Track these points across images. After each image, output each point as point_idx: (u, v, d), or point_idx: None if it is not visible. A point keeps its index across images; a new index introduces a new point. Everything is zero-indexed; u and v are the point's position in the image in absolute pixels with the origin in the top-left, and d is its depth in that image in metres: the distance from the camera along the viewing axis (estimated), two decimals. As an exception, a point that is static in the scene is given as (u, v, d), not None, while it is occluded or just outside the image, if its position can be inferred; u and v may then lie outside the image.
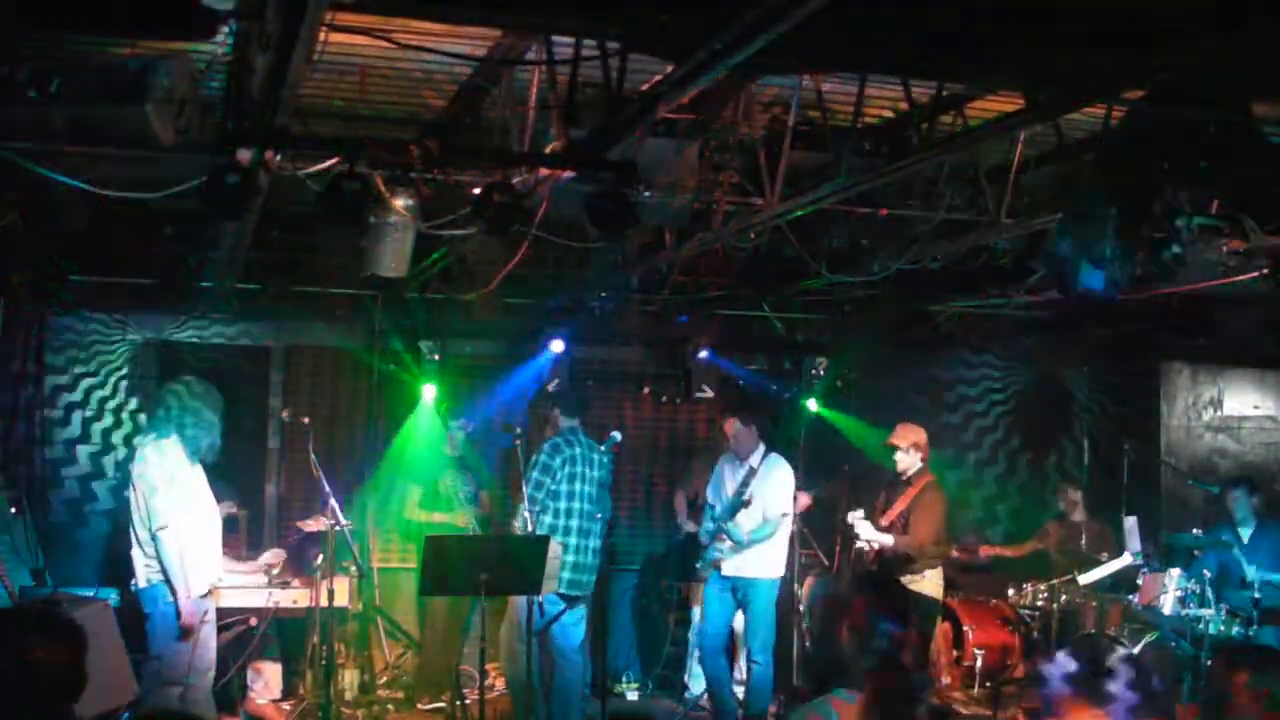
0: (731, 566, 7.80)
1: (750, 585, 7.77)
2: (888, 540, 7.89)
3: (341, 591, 7.52)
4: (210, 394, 6.60)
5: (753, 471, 7.87)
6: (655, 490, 10.25)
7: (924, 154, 5.75)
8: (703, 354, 9.73)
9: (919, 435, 8.15)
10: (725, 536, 7.76)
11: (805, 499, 8.60)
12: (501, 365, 9.75)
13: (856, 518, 7.98)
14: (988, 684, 8.26)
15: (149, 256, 8.23)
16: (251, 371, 9.29)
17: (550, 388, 9.11)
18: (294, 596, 7.49)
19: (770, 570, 7.81)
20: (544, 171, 5.68)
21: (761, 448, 7.98)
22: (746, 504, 7.74)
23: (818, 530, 9.38)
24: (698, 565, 8.07)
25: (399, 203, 5.66)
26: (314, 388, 9.47)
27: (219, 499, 7.50)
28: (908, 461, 8.09)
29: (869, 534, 7.91)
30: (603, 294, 9.00)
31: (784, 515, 7.86)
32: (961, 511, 8.66)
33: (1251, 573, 7.63)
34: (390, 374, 9.31)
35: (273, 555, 7.59)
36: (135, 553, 6.40)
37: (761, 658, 7.76)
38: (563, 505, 7.28)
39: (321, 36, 4.34)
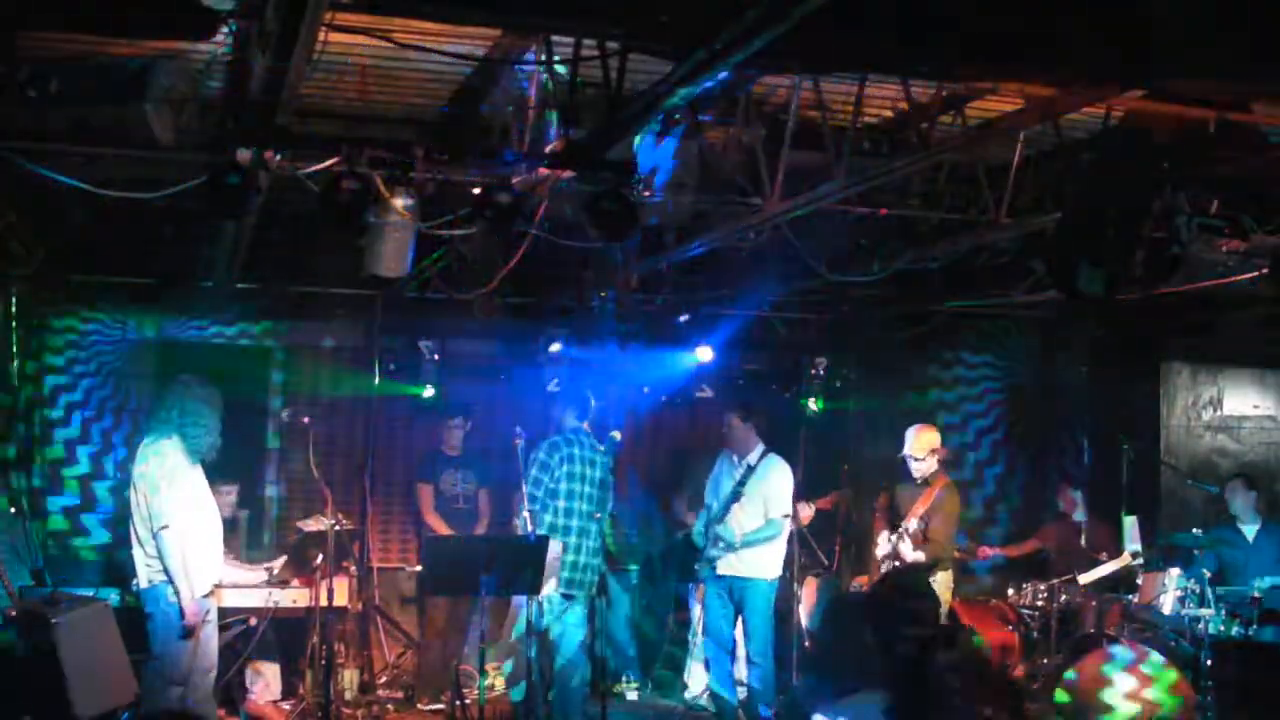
0: (728, 566, 7.79)
1: (746, 585, 7.75)
2: (920, 557, 7.92)
3: (341, 591, 7.54)
4: (210, 394, 6.62)
5: (750, 470, 7.85)
6: (655, 490, 10.24)
7: (924, 154, 5.75)
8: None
9: (934, 439, 8.16)
10: (720, 540, 7.74)
11: (808, 511, 8.60)
12: (501, 365, 9.75)
13: (898, 539, 7.98)
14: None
15: (149, 256, 8.23)
16: (251, 371, 9.28)
17: (551, 387, 9.10)
18: (294, 596, 7.50)
19: (767, 570, 7.79)
20: (544, 171, 5.68)
21: (760, 447, 7.96)
22: (739, 498, 7.72)
23: (818, 531, 9.37)
24: (696, 566, 8.05)
25: (399, 203, 5.66)
26: (314, 388, 9.47)
27: (218, 486, 7.52)
28: (924, 468, 8.11)
29: (911, 555, 7.94)
30: (602, 293, 9.00)
31: (785, 516, 7.85)
32: (962, 511, 8.67)
33: (1258, 582, 7.60)
34: (390, 374, 9.31)
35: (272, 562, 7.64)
36: (136, 553, 6.42)
37: (761, 659, 7.73)
38: (561, 504, 7.27)
39: (321, 36, 4.34)
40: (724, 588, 7.83)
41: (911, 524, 8.00)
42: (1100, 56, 4.39)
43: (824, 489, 9.57)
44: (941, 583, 7.93)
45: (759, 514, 7.78)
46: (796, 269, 7.84)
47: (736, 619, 7.97)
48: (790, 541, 8.40)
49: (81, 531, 8.81)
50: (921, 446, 8.12)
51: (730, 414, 8.12)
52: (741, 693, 8.15)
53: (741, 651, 8.20)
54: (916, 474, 8.13)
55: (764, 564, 7.78)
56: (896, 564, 8.02)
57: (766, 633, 7.76)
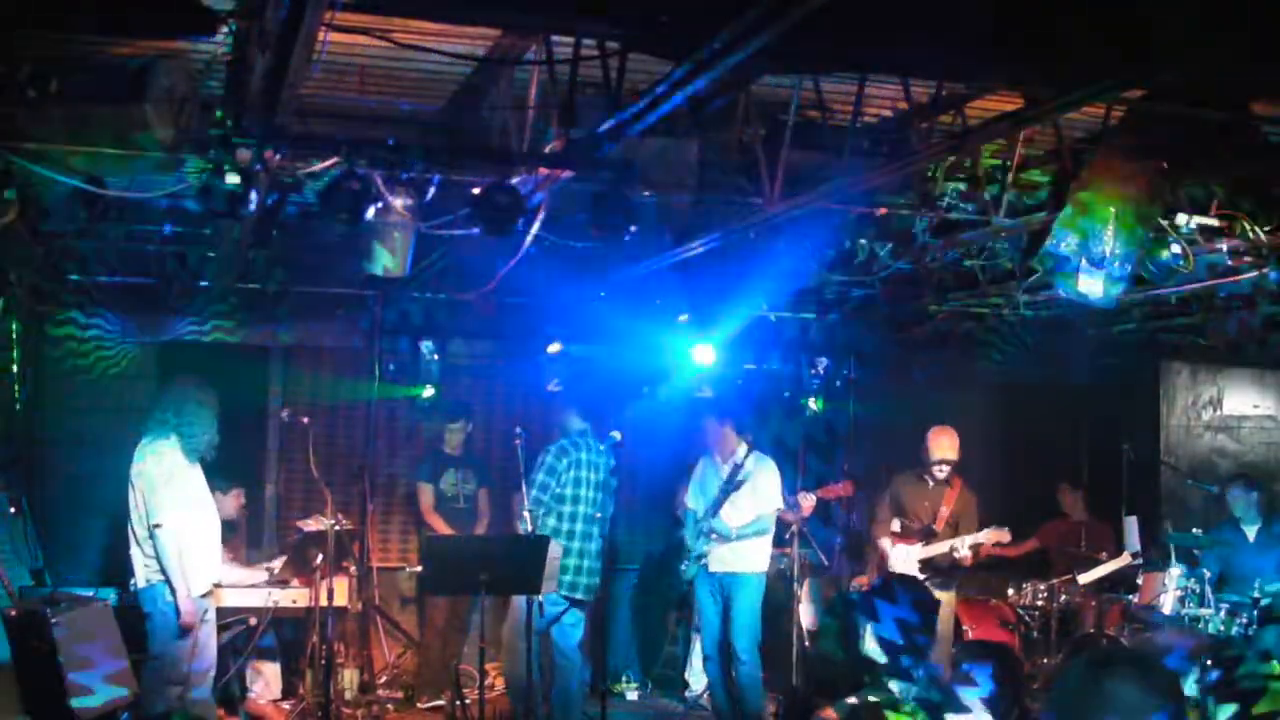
0: (718, 562, 7.80)
1: (735, 580, 7.75)
2: (969, 557, 7.97)
3: (341, 591, 7.54)
4: (206, 393, 6.62)
5: (738, 468, 7.85)
6: (655, 490, 10.22)
7: (924, 154, 5.75)
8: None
9: (956, 438, 8.20)
10: (715, 533, 7.74)
11: (809, 501, 8.60)
12: (501, 365, 9.76)
13: (963, 545, 8.01)
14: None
15: (149, 256, 8.23)
16: (251, 371, 9.28)
17: (551, 388, 9.09)
18: (293, 596, 7.50)
19: (755, 565, 7.79)
20: (544, 171, 5.68)
21: (743, 446, 7.95)
22: (739, 486, 7.72)
23: (818, 529, 9.37)
24: (681, 567, 8.04)
25: (399, 203, 5.66)
26: (314, 388, 9.46)
27: (227, 489, 7.52)
28: (948, 469, 8.15)
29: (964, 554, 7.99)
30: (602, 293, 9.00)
31: (775, 511, 7.87)
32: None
33: (1257, 585, 7.59)
34: (390, 374, 9.31)
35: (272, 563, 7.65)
36: (134, 553, 6.42)
37: (747, 655, 7.69)
38: (566, 509, 7.26)
39: (321, 36, 4.33)
40: (715, 585, 7.83)
41: (996, 531, 8.01)
42: (1100, 56, 4.38)
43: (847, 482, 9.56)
44: (943, 607, 7.96)
45: (749, 512, 7.78)
46: (796, 269, 7.85)
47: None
48: (791, 541, 8.42)
49: (81, 531, 8.80)
50: (952, 448, 8.13)
51: (707, 418, 8.11)
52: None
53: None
54: (941, 475, 8.14)
55: (753, 558, 7.79)
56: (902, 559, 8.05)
57: (754, 629, 7.73)
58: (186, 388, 6.63)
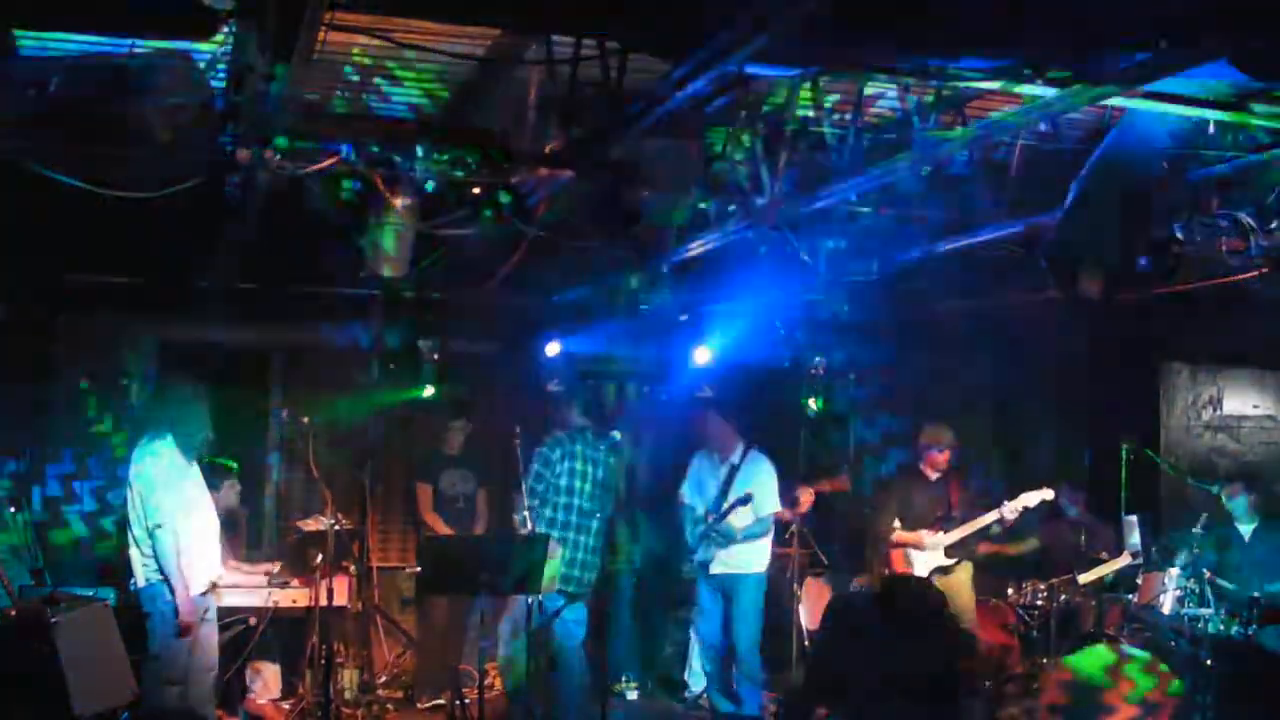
0: (718, 564, 7.80)
1: (737, 580, 7.76)
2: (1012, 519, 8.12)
3: (341, 591, 7.54)
4: (200, 392, 6.63)
5: (735, 469, 7.85)
6: (655, 489, 10.22)
7: (924, 154, 5.74)
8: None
9: (952, 432, 8.25)
10: (720, 536, 7.74)
11: (807, 496, 8.59)
12: (501, 365, 9.75)
13: (1009, 508, 8.10)
14: (986, 683, 8.25)
15: (149, 256, 8.22)
16: (251, 371, 9.28)
17: (551, 387, 9.08)
18: (293, 596, 7.51)
19: (756, 564, 7.81)
20: (544, 171, 5.68)
21: (741, 445, 7.94)
22: (745, 502, 7.72)
23: (817, 528, 9.37)
24: (684, 569, 8.05)
25: (399, 202, 5.67)
26: (314, 388, 9.45)
27: (220, 484, 7.52)
28: (949, 461, 8.20)
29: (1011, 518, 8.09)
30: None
31: (774, 511, 7.88)
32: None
33: (1254, 585, 7.60)
34: (390, 374, 9.30)
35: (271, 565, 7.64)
36: (133, 552, 6.43)
37: (748, 656, 7.71)
38: (561, 501, 7.26)
39: (321, 36, 4.34)
40: (716, 587, 7.83)
41: (1040, 491, 8.16)
42: (1100, 56, 4.38)
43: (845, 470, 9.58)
44: (965, 580, 8.02)
45: (748, 513, 7.79)
46: (796, 268, 7.84)
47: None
48: (790, 541, 8.42)
49: (80, 531, 8.80)
50: (953, 442, 8.22)
51: (709, 412, 8.13)
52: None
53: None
54: (942, 469, 8.21)
55: (753, 558, 7.81)
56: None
57: (756, 628, 7.74)
58: (183, 389, 6.65)
